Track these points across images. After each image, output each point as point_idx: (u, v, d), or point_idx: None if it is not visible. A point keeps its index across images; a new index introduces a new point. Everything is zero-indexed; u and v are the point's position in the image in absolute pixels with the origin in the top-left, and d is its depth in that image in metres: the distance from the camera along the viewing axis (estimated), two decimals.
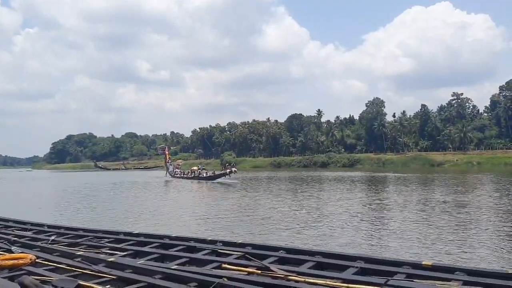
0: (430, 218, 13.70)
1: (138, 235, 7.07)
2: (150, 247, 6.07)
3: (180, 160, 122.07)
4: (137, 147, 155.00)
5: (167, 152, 59.07)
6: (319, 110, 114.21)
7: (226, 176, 39.01)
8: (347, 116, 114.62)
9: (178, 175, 48.64)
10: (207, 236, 7.10)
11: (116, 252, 5.87)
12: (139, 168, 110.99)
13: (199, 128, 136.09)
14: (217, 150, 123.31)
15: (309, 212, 15.99)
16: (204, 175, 42.72)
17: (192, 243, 6.11)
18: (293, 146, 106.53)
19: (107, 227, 9.77)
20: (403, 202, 18.02)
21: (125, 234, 7.15)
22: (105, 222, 14.50)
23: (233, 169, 38.72)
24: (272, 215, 15.54)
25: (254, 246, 5.67)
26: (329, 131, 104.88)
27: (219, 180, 39.77)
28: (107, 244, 6.33)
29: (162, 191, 28.12)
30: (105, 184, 39.20)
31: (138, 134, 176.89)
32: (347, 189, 26.00)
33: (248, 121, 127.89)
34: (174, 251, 5.86)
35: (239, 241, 5.89)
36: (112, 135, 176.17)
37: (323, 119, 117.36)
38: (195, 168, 48.74)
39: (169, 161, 55.69)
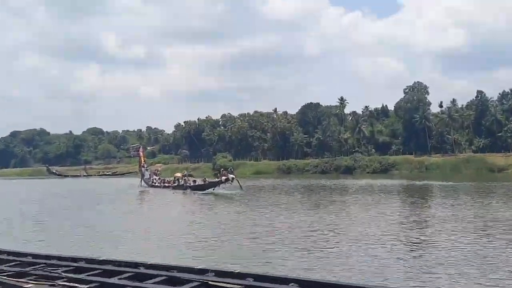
0: (490, 245, 13.60)
1: (104, 262, 7.11)
2: (120, 278, 6.08)
3: (159, 164, 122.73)
4: (103, 147, 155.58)
5: (141, 154, 59.37)
6: (342, 98, 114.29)
7: (221, 185, 39.20)
8: (379, 106, 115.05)
9: (156, 184, 48.87)
10: (195, 264, 7.08)
11: (75, 285, 5.88)
12: (106, 175, 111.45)
13: (184, 122, 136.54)
14: (208, 150, 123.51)
15: (330, 234, 15.99)
16: (191, 183, 42.92)
17: (176, 273, 6.17)
18: (308, 145, 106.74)
19: (64, 252, 9.78)
20: (453, 223, 17.91)
21: (87, 261, 7.18)
22: (61, 245, 14.53)
23: (230, 176, 38.74)
24: (282, 236, 15.56)
25: (257, 277, 5.70)
26: (355, 126, 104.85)
27: (211, 190, 39.94)
28: (64, 274, 6.32)
29: (136, 206, 28.18)
30: (60, 196, 39.22)
31: (105, 130, 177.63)
32: (379, 203, 25.96)
33: (248, 113, 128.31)
34: (152, 283, 5.89)
35: (237, 271, 6.01)
36: (70, 132, 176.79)
37: (347, 110, 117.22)
38: (179, 174, 48.92)
39: (145, 165, 56.05)
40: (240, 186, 37.56)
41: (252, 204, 27.27)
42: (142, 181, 52.88)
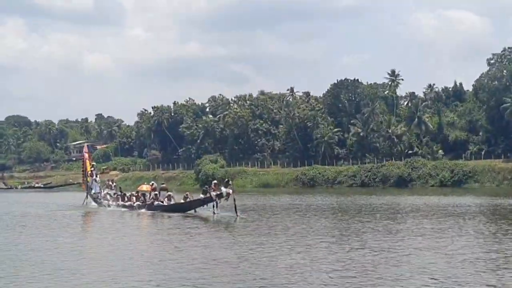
0: None
1: None
2: None
3: (114, 172, 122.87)
4: (30, 145, 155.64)
5: (86, 156, 59.08)
6: (393, 72, 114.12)
7: (210, 204, 39.44)
8: (450, 86, 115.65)
9: (111, 202, 48.97)
10: None
11: None
12: (35, 187, 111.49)
13: (153, 107, 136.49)
14: (189, 151, 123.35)
15: None
16: (165, 201, 42.96)
17: None
18: (341, 144, 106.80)
19: None
20: None
21: None
22: None
23: (225, 190, 38.48)
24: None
25: None
26: (413, 115, 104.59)
27: (196, 211, 40.54)
28: None
29: (76, 241, 27.71)
30: None
31: (32, 120, 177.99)
32: (459, 239, 25.40)
33: (250, 95, 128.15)
34: None
35: None
36: None
37: (401, 91, 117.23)
38: (145, 187, 48.67)
39: (94, 173, 55.82)
40: (236, 210, 37.23)
41: (264, 235, 26.91)
42: (88, 196, 52.92)
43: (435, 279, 16.09)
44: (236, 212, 37.11)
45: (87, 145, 69.12)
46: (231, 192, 38.40)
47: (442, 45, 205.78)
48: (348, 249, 21.97)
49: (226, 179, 43.11)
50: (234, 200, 37.73)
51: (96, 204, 51.31)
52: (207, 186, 44.03)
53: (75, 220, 40.20)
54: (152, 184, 48.25)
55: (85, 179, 56.21)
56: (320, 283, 15.97)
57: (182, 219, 37.39)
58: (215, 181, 43.96)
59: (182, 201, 42.64)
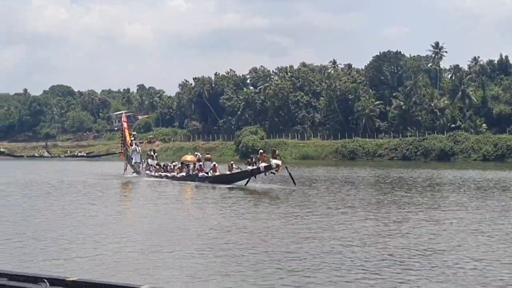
0: None
1: (78, 284, 7.54)
2: None
3: (156, 143, 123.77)
4: (73, 114, 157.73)
5: (125, 125, 58.33)
6: (437, 44, 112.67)
7: (258, 176, 38.80)
8: (495, 59, 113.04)
9: (153, 173, 48.87)
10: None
11: None
12: (77, 156, 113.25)
13: (194, 79, 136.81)
14: (229, 122, 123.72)
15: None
16: (210, 172, 42.28)
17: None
18: (383, 117, 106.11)
19: (12, 267, 10.28)
20: None
21: (52, 282, 7.63)
22: (10, 259, 15.17)
23: (274, 162, 37.54)
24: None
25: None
26: (457, 88, 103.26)
27: (241, 183, 39.43)
28: None
29: (121, 210, 27.85)
30: (6, 189, 39.61)
31: (76, 90, 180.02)
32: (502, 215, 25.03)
33: (291, 67, 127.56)
34: None
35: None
36: (25, 91, 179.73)
37: (444, 64, 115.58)
38: (190, 158, 47.68)
39: (134, 142, 55.11)
40: (293, 180, 36.96)
41: (316, 208, 26.74)
42: (128, 166, 52.92)
43: (470, 256, 15.84)
44: (294, 181, 36.86)
45: (125, 114, 68.24)
46: (280, 164, 37.82)
47: (487, 17, 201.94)
48: (386, 222, 21.89)
49: (273, 149, 42.01)
50: (288, 170, 37.77)
51: (136, 174, 51.03)
52: (252, 156, 43.25)
53: (113, 190, 39.98)
54: (197, 154, 47.31)
55: (124, 148, 55.85)
56: (357, 256, 15.82)
57: (227, 190, 36.76)
58: (262, 150, 43.08)
59: (228, 172, 41.66)
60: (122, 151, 57.26)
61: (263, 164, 37.96)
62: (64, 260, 15.45)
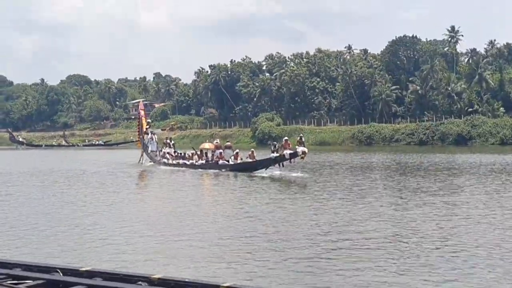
0: None
1: (92, 273, 7.70)
2: None
3: (173, 131, 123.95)
4: (90, 104, 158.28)
5: (142, 113, 57.91)
6: (453, 28, 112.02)
7: (282, 163, 37.88)
8: None
9: (170, 161, 48.05)
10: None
11: None
12: (95, 145, 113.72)
13: (210, 66, 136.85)
14: (245, 109, 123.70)
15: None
16: (231, 160, 41.24)
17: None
18: (399, 102, 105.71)
19: (30, 258, 10.26)
20: None
21: (66, 272, 7.78)
22: (24, 249, 15.08)
23: (300, 149, 36.66)
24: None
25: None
26: (474, 71, 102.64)
27: (263, 171, 38.56)
28: None
29: (130, 201, 27.20)
30: (27, 177, 39.83)
31: (92, 79, 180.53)
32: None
33: (307, 53, 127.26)
34: None
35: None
36: (42, 81, 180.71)
37: (461, 48, 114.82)
38: (208, 145, 46.70)
39: (150, 131, 54.68)
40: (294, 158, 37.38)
41: (343, 196, 26.33)
42: (144, 154, 52.32)
43: (486, 244, 15.62)
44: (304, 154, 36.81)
45: (143, 102, 67.47)
46: (307, 151, 37.11)
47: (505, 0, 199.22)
48: (403, 207, 21.80)
49: (299, 136, 40.83)
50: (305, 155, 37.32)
51: (153, 163, 50.21)
52: (275, 143, 42.27)
53: (129, 178, 39.00)
54: (216, 142, 46.33)
55: (141, 136, 55.11)
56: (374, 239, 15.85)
57: (248, 178, 35.88)
58: (286, 138, 42.14)
59: (249, 159, 40.74)
60: (139, 140, 56.75)
61: (288, 151, 37.11)
62: (79, 249, 15.44)
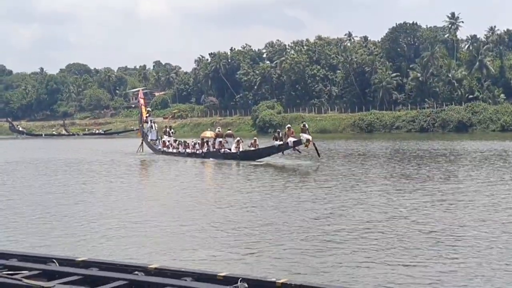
0: None
1: (88, 263, 7.74)
2: None
3: (172, 118, 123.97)
4: (90, 92, 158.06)
5: (142, 101, 57.18)
6: (453, 15, 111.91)
7: (285, 152, 37.85)
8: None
9: (170, 150, 47.55)
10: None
11: None
12: (95, 134, 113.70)
13: (210, 54, 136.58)
14: (246, 97, 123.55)
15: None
16: (233, 148, 40.52)
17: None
18: (400, 89, 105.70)
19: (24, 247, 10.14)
20: None
21: (62, 262, 7.81)
22: (22, 239, 15.09)
23: (305, 136, 35.77)
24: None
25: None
26: (473, 58, 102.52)
27: (267, 159, 38.09)
28: (25, 281, 6.87)
29: (130, 190, 26.78)
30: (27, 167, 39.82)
31: (92, 68, 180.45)
32: None
33: (307, 40, 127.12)
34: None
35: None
36: (42, 70, 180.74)
37: (461, 34, 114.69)
38: (209, 134, 46.13)
39: (150, 119, 53.94)
40: (317, 152, 36.53)
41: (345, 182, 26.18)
42: (144, 143, 51.51)
43: (487, 229, 15.56)
44: (318, 154, 36.65)
45: (143, 91, 66.31)
46: (311, 138, 36.30)
47: None
48: (404, 195, 21.61)
49: (303, 123, 40.30)
50: (315, 145, 36.61)
51: (153, 152, 49.54)
52: (279, 131, 41.79)
53: (128, 167, 38.10)
54: (218, 130, 45.63)
55: (141, 125, 54.65)
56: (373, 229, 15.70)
57: (253, 167, 35.08)
58: (289, 125, 41.45)
59: (252, 148, 40.32)
60: (139, 128, 56.34)
61: (292, 139, 36.69)
62: (76, 240, 15.39)
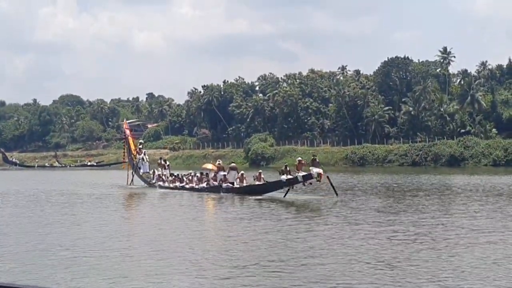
0: None
1: None
2: None
3: (164, 150, 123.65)
4: (83, 124, 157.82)
5: (128, 132, 55.44)
6: (445, 49, 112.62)
7: (294, 186, 35.69)
8: (504, 63, 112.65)
9: (166, 184, 45.21)
10: None
11: None
12: (87, 165, 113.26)
13: (203, 86, 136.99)
14: (238, 129, 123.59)
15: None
16: (236, 183, 38.43)
17: None
18: (392, 123, 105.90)
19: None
20: None
21: None
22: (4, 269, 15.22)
23: (316, 170, 33.95)
24: None
25: None
26: (465, 92, 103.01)
27: (271, 194, 36.21)
28: None
29: (128, 226, 26.14)
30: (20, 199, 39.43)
31: (85, 99, 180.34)
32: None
33: (300, 73, 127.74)
34: None
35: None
36: (35, 101, 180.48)
37: (453, 69, 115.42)
38: (210, 166, 43.93)
39: (142, 151, 51.98)
40: (334, 189, 34.13)
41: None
42: (135, 176, 49.57)
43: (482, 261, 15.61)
44: (336, 192, 33.93)
45: (127, 122, 64.20)
46: (322, 173, 34.25)
47: (497, 21, 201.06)
48: (397, 230, 21.39)
49: (313, 157, 37.16)
50: (330, 179, 34.47)
51: (147, 185, 47.39)
52: (286, 164, 39.56)
53: (128, 202, 37.75)
54: (219, 163, 43.09)
55: (129, 157, 52.30)
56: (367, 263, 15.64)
57: (259, 202, 33.09)
58: (300, 158, 39.07)
59: (257, 181, 37.99)
60: (125, 160, 54.92)
61: (302, 173, 34.62)
62: (58, 270, 15.35)
